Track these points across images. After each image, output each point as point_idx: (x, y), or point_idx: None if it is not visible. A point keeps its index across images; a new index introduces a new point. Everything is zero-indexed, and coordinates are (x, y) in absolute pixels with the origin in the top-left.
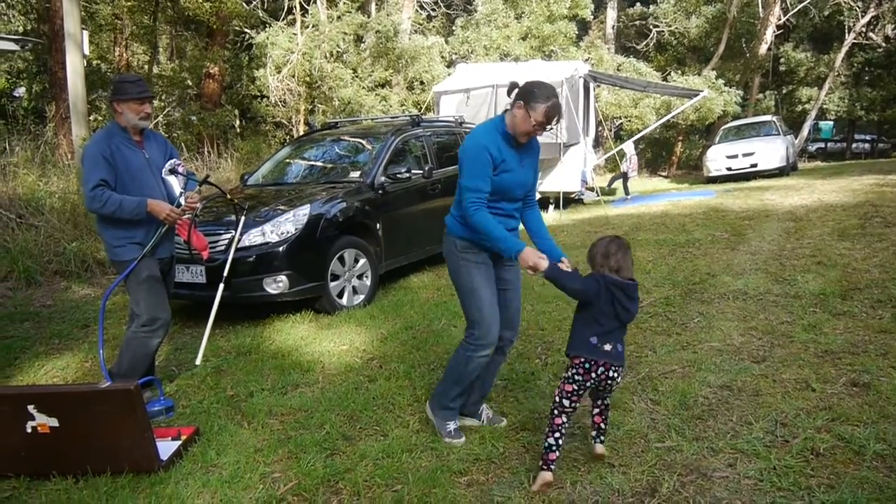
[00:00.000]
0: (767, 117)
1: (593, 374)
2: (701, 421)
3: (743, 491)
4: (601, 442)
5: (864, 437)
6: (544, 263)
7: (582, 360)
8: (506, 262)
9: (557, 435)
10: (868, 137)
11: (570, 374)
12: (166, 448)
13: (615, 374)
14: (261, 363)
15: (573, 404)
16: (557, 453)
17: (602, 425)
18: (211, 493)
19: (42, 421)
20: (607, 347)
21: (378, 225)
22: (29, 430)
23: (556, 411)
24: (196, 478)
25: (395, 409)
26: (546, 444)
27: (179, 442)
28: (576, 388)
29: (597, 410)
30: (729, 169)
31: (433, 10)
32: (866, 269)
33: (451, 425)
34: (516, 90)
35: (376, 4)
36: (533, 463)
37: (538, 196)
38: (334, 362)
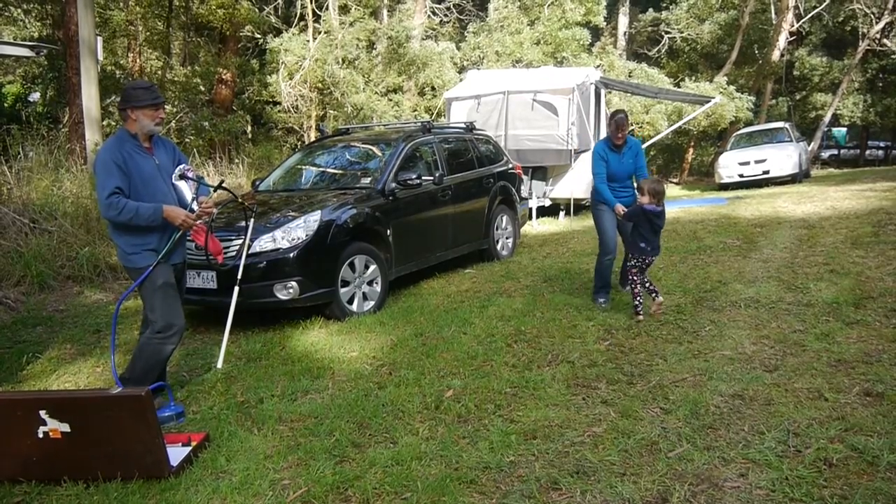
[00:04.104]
0: (780, 124)
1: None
2: (712, 430)
3: (755, 501)
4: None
5: (878, 447)
6: (621, 210)
7: None
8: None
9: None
10: (882, 144)
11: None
12: (177, 454)
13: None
14: (271, 369)
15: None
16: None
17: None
18: (221, 500)
19: (54, 426)
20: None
21: (388, 231)
22: (41, 436)
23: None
24: (206, 484)
25: (404, 417)
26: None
27: (190, 448)
28: None
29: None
30: (741, 176)
31: (445, 15)
32: (880, 278)
33: (600, 299)
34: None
35: (388, 10)
36: (543, 471)
37: (548, 202)
38: (344, 369)
